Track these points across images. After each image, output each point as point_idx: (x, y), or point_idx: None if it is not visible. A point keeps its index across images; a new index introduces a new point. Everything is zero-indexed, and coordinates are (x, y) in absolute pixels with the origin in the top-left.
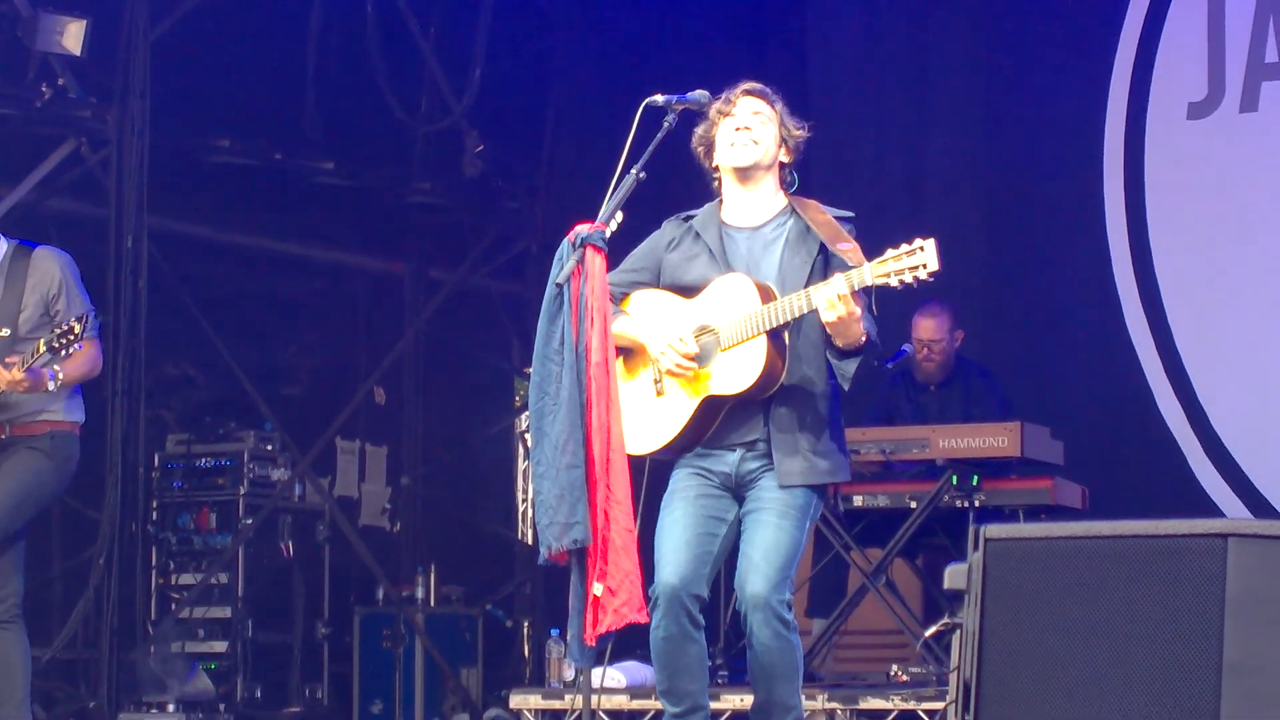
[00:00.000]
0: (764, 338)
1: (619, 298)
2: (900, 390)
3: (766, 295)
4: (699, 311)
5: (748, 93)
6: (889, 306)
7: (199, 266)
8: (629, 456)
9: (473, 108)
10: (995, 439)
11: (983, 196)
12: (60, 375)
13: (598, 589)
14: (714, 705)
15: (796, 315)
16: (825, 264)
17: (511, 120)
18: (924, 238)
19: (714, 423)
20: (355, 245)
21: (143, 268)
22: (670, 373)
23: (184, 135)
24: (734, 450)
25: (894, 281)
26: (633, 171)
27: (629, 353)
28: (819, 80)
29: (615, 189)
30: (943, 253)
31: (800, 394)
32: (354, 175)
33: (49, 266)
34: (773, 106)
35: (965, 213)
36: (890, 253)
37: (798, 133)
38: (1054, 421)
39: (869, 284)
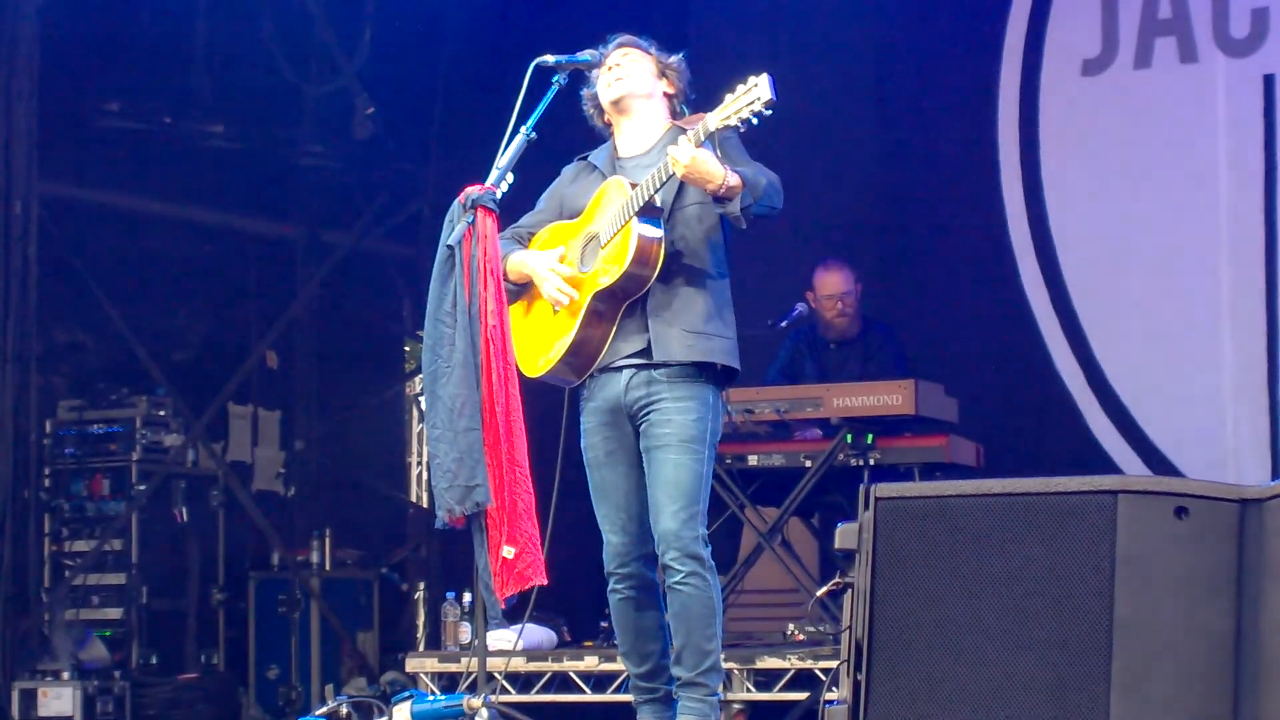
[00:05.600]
0: (633, 220)
1: (526, 238)
2: (802, 348)
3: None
4: (586, 225)
5: (620, 45)
6: (785, 266)
7: (88, 231)
8: (540, 380)
9: (363, 69)
10: (889, 397)
11: (875, 152)
12: None
13: (509, 551)
14: (609, 666)
15: (656, 187)
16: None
17: (402, 82)
18: (757, 74)
19: (610, 325)
20: (245, 208)
21: (32, 233)
22: (555, 299)
23: (73, 99)
24: (621, 371)
25: (735, 120)
26: (522, 132)
27: (531, 284)
28: (703, 33)
29: (506, 150)
30: (772, 104)
31: (678, 282)
32: (244, 137)
33: None
34: (646, 52)
35: (858, 169)
36: (727, 96)
37: (671, 61)
38: (949, 379)
39: (713, 130)
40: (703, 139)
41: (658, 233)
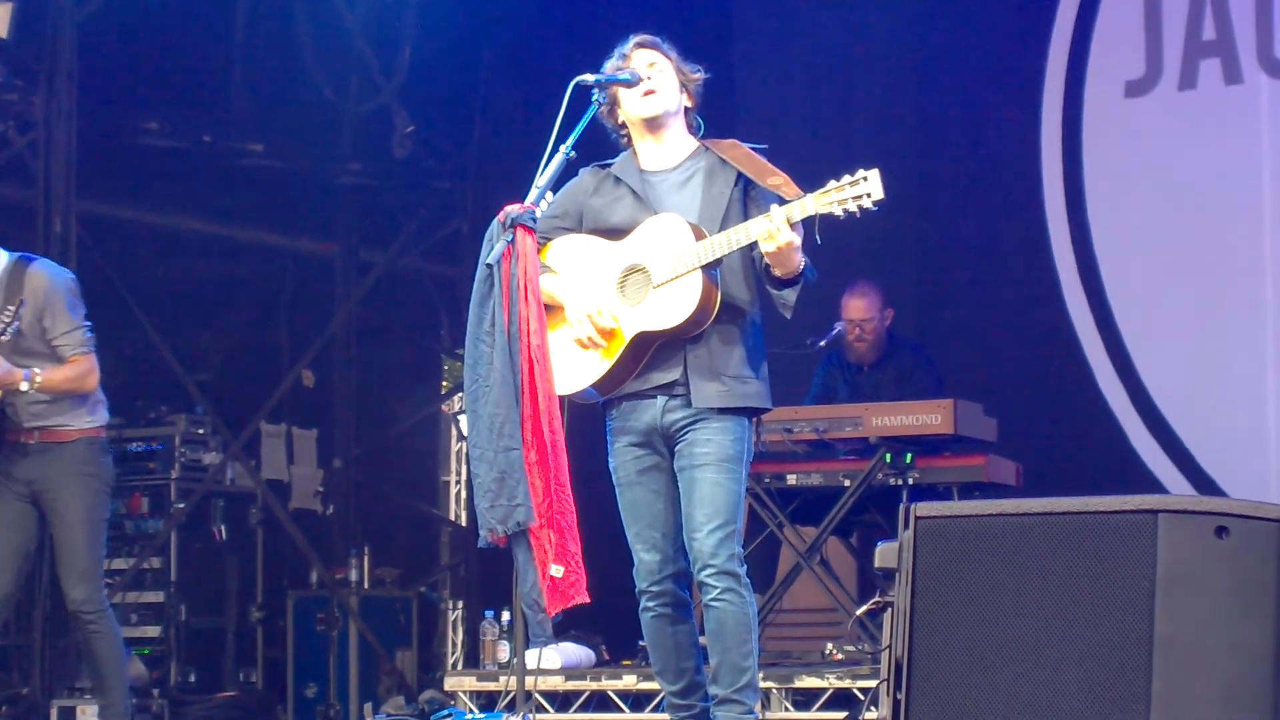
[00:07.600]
0: (699, 272)
1: (540, 243)
2: (836, 371)
3: (699, 234)
4: (628, 252)
5: (640, 45)
6: (822, 284)
7: (127, 249)
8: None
9: (402, 88)
10: (928, 416)
11: (918, 174)
12: (38, 378)
13: (558, 570)
14: (647, 685)
15: (734, 248)
16: (744, 195)
17: (441, 100)
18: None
19: (641, 361)
20: (284, 226)
21: (72, 251)
22: (583, 344)
23: (112, 117)
24: (655, 397)
25: (838, 210)
26: (562, 150)
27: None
28: (745, 57)
29: (545, 168)
30: (881, 202)
31: (721, 327)
32: (283, 156)
33: (39, 283)
34: (666, 56)
35: (900, 189)
36: (833, 183)
37: (694, 76)
38: (990, 398)
39: (811, 214)
40: (797, 220)
41: (716, 282)
